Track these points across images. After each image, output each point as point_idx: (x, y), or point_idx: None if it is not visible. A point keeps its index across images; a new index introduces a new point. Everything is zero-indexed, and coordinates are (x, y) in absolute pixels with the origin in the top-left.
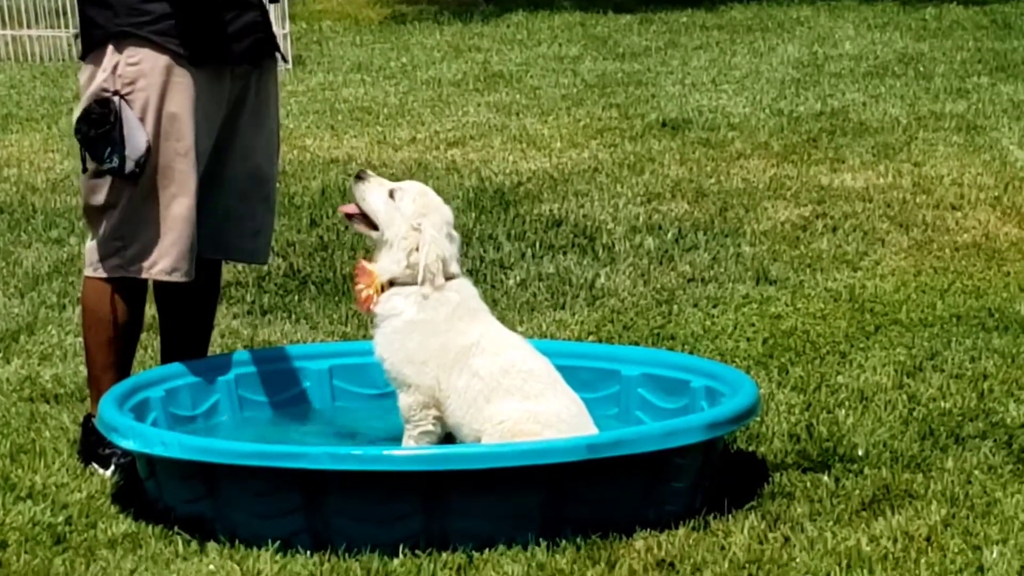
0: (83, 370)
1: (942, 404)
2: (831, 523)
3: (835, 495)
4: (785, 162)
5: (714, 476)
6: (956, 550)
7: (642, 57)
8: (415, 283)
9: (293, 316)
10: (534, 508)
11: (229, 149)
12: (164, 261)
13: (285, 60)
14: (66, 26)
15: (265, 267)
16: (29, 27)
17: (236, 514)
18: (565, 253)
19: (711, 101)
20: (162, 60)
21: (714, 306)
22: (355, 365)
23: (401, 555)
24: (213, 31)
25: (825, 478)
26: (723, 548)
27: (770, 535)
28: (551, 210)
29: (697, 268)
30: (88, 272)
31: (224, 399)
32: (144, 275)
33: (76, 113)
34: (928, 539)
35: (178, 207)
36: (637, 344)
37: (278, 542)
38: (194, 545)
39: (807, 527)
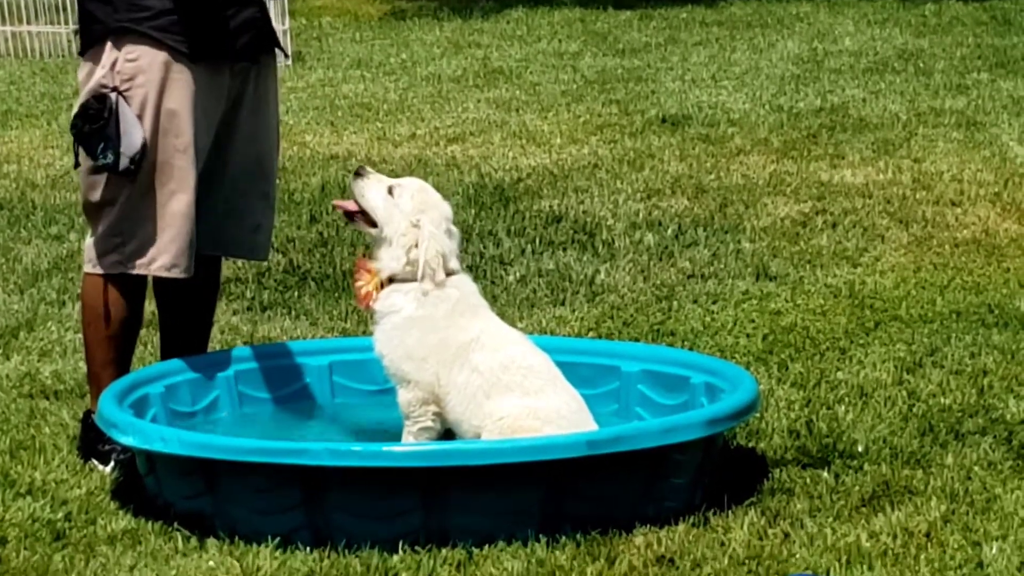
0: (83, 366)
1: (942, 400)
2: (831, 519)
3: (835, 491)
4: (785, 158)
5: (714, 472)
6: (956, 546)
7: (642, 53)
8: (415, 280)
9: (293, 312)
10: (534, 504)
11: (229, 145)
12: (163, 257)
13: (285, 56)
14: (66, 22)
15: (265, 263)
16: (29, 23)
17: (236, 510)
18: (565, 249)
19: (711, 97)
20: (161, 56)
21: (714, 302)
22: (355, 361)
23: (401, 551)
24: (212, 27)
25: (825, 474)
26: (723, 544)
27: (770, 531)
28: (551, 206)
29: (697, 264)
30: (87, 268)
31: (224, 395)
32: (143, 271)
33: (75, 109)
34: (928, 535)
35: (177, 203)
36: (637, 340)
37: (278, 538)
38: (194, 541)
39: (807, 523)
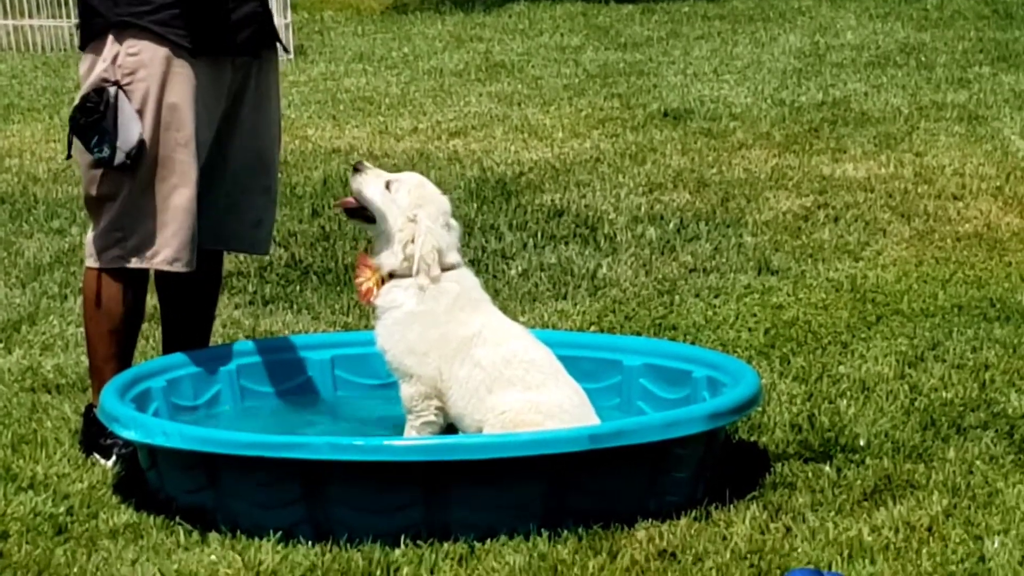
0: (84, 360)
1: (943, 394)
2: (833, 513)
3: (837, 485)
4: (787, 152)
5: (716, 466)
6: (957, 540)
7: (644, 47)
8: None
9: (295, 306)
10: (536, 498)
11: (230, 140)
12: (165, 251)
13: (286, 50)
14: (67, 16)
15: (267, 257)
16: (31, 17)
17: (238, 504)
18: (567, 243)
19: (713, 91)
20: (162, 51)
21: (716, 296)
22: (357, 355)
23: (403, 545)
24: (213, 22)
25: (827, 468)
26: (725, 538)
27: (772, 525)
28: (553, 200)
29: (699, 258)
30: (89, 263)
31: (226, 389)
32: (145, 265)
33: (75, 102)
34: (930, 529)
35: (179, 198)
36: (639, 334)
37: (279, 532)
38: (195, 535)
39: (809, 517)
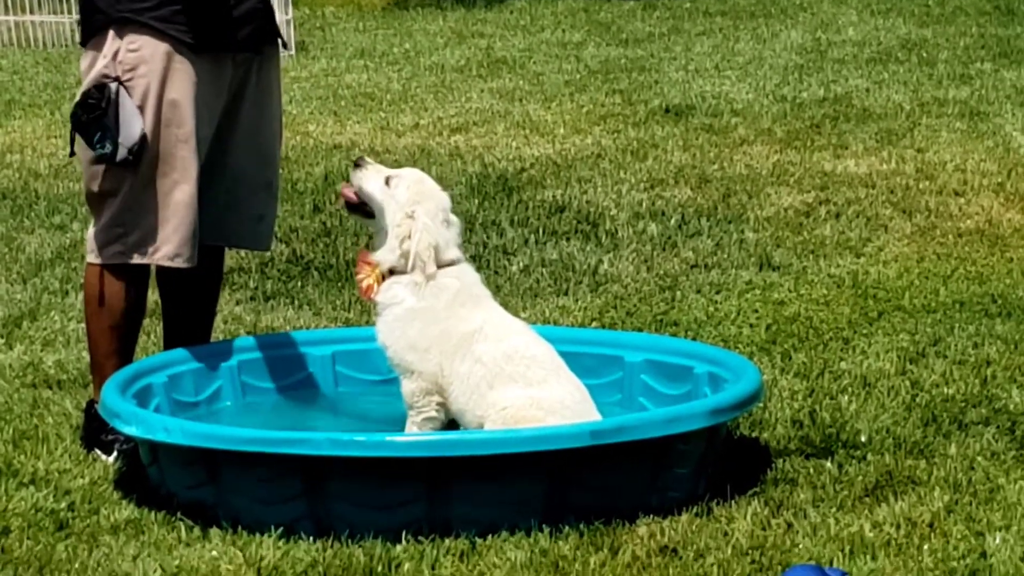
0: (86, 356)
1: (945, 390)
2: (834, 509)
3: (838, 481)
4: (788, 148)
5: (717, 462)
6: (959, 536)
7: (645, 43)
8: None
9: (296, 302)
10: (537, 494)
11: (231, 136)
12: (166, 247)
13: (287, 46)
14: (69, 12)
15: (268, 253)
16: (32, 13)
17: (239, 500)
18: (568, 239)
19: (714, 87)
20: (162, 47)
21: (717, 292)
22: (358, 351)
23: (404, 541)
24: (214, 18)
25: (828, 464)
26: (726, 534)
27: (773, 521)
28: (554, 196)
29: (700, 254)
30: (90, 259)
31: (227, 385)
32: (146, 261)
33: (76, 99)
34: (931, 525)
35: (180, 193)
36: (640, 330)
37: (281, 528)
38: (197, 531)
39: (810, 513)
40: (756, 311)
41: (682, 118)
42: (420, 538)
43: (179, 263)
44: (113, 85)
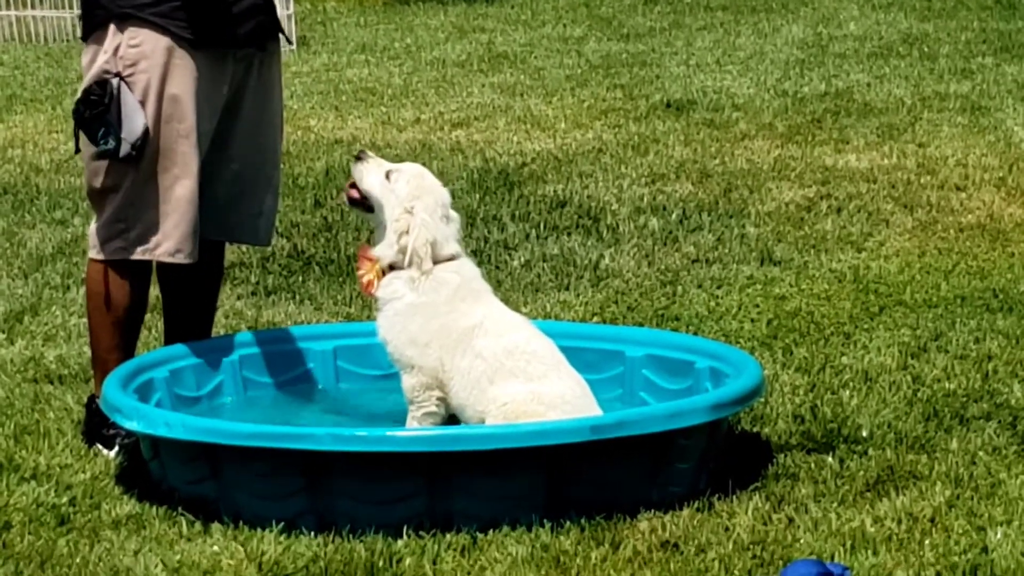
0: (87, 351)
1: (946, 385)
2: (835, 504)
3: (839, 476)
4: (789, 143)
5: (718, 457)
6: (960, 531)
7: (646, 38)
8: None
9: (297, 297)
10: (538, 489)
11: (232, 131)
12: (167, 243)
13: (289, 41)
14: (70, 6)
15: (269, 248)
16: (33, 8)
17: (240, 495)
18: (569, 234)
19: (715, 82)
20: (163, 42)
21: (718, 287)
22: (359, 346)
23: (405, 536)
24: (215, 14)
25: (829, 459)
26: (727, 529)
27: (774, 516)
28: (555, 191)
29: (701, 249)
30: (92, 254)
31: (228, 380)
32: (148, 257)
33: (78, 94)
34: (932, 520)
35: (181, 189)
36: (641, 325)
37: (282, 523)
38: (198, 526)
39: (811, 508)
40: (757, 306)
41: (683, 113)
42: (421, 533)
43: (180, 259)
44: (114, 81)
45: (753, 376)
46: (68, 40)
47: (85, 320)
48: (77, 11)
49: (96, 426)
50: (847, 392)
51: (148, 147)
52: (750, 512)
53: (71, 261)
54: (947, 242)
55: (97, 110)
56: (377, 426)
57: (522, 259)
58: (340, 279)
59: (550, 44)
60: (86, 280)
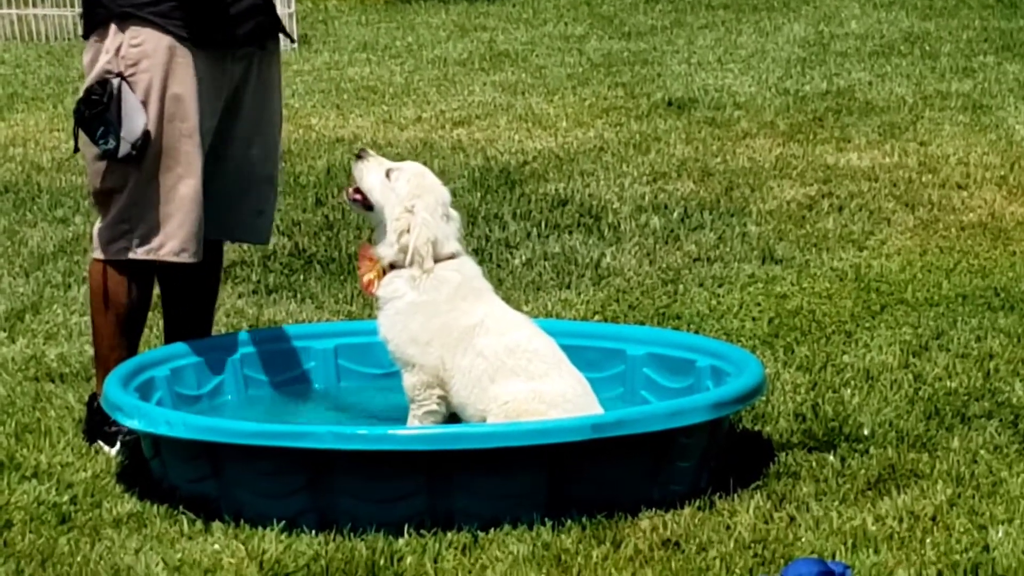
0: (88, 349)
1: (948, 384)
2: (837, 503)
3: (841, 475)
4: (791, 141)
5: (720, 456)
6: (962, 530)
7: (648, 36)
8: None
9: (298, 295)
10: (539, 488)
11: (232, 131)
12: (172, 242)
13: (291, 39)
14: (71, 5)
15: (270, 247)
16: (34, 6)
17: (241, 494)
18: (571, 232)
19: (717, 80)
20: (165, 41)
21: (720, 286)
22: (360, 345)
23: (406, 535)
24: (214, 14)
25: (831, 458)
26: (728, 528)
27: (775, 515)
28: (557, 189)
29: (703, 247)
30: (96, 255)
31: (229, 378)
32: (152, 257)
33: (80, 94)
34: (934, 519)
35: (185, 188)
36: (643, 324)
37: (283, 522)
38: (199, 524)
39: (813, 507)
40: (759, 304)
41: (684, 111)
42: (422, 531)
43: (185, 258)
44: (115, 80)
45: (754, 375)
46: (69, 38)
47: (86, 319)
48: (78, 9)
49: (98, 424)
50: (848, 391)
51: (151, 147)
52: (751, 511)
53: (72, 259)
54: (948, 241)
55: (97, 109)
56: (378, 425)
57: (523, 258)
58: (341, 278)
59: (551, 42)
60: (89, 280)
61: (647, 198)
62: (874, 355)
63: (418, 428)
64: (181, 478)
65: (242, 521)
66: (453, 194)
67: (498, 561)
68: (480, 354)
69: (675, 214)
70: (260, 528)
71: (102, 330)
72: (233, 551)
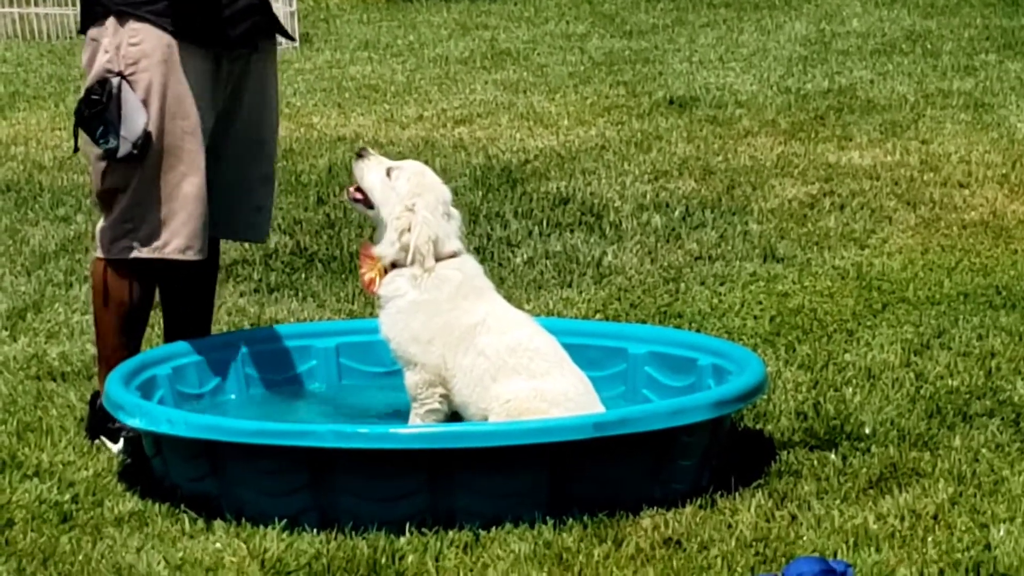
0: (89, 348)
1: (949, 382)
2: (838, 501)
3: (842, 473)
4: (792, 140)
5: (721, 454)
6: (963, 528)
7: (649, 35)
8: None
9: (300, 294)
10: (541, 486)
11: (230, 128)
12: (177, 240)
13: (292, 38)
14: (72, 4)
15: (272, 245)
16: (36, 5)
17: (243, 492)
18: (572, 231)
19: (718, 79)
20: (164, 39)
21: (721, 284)
22: (362, 343)
23: (407, 533)
24: (210, 14)
25: (832, 456)
26: (730, 526)
27: (777, 513)
28: (558, 188)
29: (704, 246)
30: (99, 254)
31: (231, 377)
32: (157, 255)
33: (81, 94)
34: (935, 517)
35: (188, 186)
36: (644, 322)
37: (284, 520)
38: (200, 523)
39: (814, 505)
40: (760, 303)
41: (686, 110)
42: (424, 530)
43: (190, 256)
44: (115, 80)
45: (756, 373)
46: (71, 37)
47: (88, 317)
48: (79, 8)
49: (100, 421)
50: (850, 389)
51: (153, 146)
52: (753, 509)
53: (74, 258)
54: (950, 239)
55: (96, 109)
56: (380, 423)
57: (525, 256)
58: (343, 276)
59: (553, 41)
60: (92, 279)
61: (648, 196)
62: (875, 353)
63: (420, 427)
64: (183, 477)
65: (244, 520)
66: (454, 192)
67: (500, 560)
68: (482, 353)
69: (676, 212)
70: (262, 527)
71: (104, 329)
72: (235, 550)
